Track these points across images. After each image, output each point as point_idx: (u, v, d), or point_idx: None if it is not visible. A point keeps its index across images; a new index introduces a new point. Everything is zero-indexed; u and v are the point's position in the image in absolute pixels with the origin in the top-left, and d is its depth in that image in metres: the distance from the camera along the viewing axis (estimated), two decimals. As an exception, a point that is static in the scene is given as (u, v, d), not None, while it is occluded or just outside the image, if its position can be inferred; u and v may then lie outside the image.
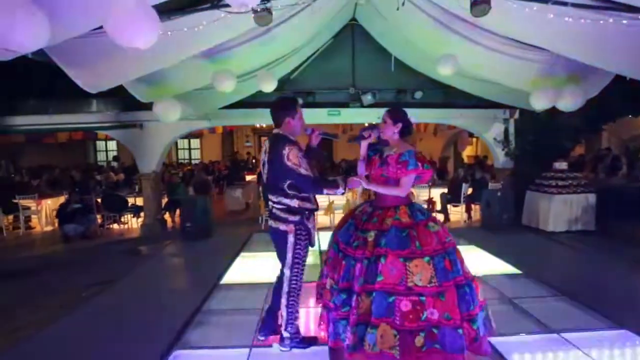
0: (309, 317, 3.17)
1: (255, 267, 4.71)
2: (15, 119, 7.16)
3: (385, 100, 7.16)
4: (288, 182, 2.37)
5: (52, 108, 7.07)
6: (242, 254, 5.27)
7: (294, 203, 2.41)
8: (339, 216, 5.82)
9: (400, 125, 2.46)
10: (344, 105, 7.33)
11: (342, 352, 2.32)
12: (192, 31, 3.87)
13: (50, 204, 7.87)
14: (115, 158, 14.43)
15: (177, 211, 7.49)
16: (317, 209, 2.55)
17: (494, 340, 2.58)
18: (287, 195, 2.41)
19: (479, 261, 4.79)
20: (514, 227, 6.39)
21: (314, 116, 7.25)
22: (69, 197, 7.14)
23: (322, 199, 6.80)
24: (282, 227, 2.44)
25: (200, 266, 5.00)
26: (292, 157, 2.31)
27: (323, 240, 3.07)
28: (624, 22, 3.21)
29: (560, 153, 7.01)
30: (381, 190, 2.39)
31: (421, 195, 7.68)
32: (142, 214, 7.54)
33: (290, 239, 2.43)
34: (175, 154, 16.36)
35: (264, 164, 2.52)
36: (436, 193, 7.78)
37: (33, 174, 10.57)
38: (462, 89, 6.79)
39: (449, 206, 7.48)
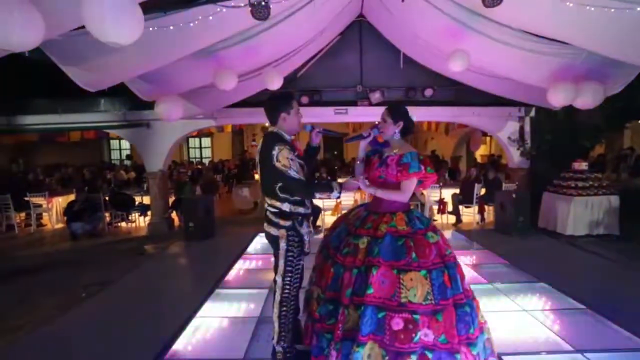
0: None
1: (257, 270, 4.59)
2: (26, 118, 7.25)
3: (394, 98, 6.96)
4: (279, 184, 2.22)
5: (62, 107, 7.14)
6: (244, 255, 5.15)
7: (286, 207, 2.26)
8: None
9: (401, 124, 2.26)
10: (352, 103, 7.15)
11: None
12: (191, 28, 3.78)
13: (61, 202, 7.98)
14: (128, 156, 14.58)
15: (184, 210, 7.45)
16: (311, 214, 2.39)
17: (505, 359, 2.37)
18: (278, 199, 2.26)
19: (491, 267, 4.54)
20: (529, 231, 6.09)
21: (320, 115, 7.13)
22: (76, 195, 7.17)
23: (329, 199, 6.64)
24: (274, 231, 2.30)
25: (200, 268, 4.92)
26: (281, 158, 2.15)
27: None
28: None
29: (580, 153, 6.66)
30: (381, 194, 2.20)
31: (432, 195, 7.42)
32: (149, 212, 7.54)
33: (282, 244, 2.28)
34: (186, 153, 16.44)
35: (257, 165, 2.39)
36: (447, 193, 7.50)
37: (48, 172, 10.75)
38: (474, 86, 6.52)
39: (460, 207, 7.21)
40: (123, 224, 7.78)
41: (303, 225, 2.29)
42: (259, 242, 5.75)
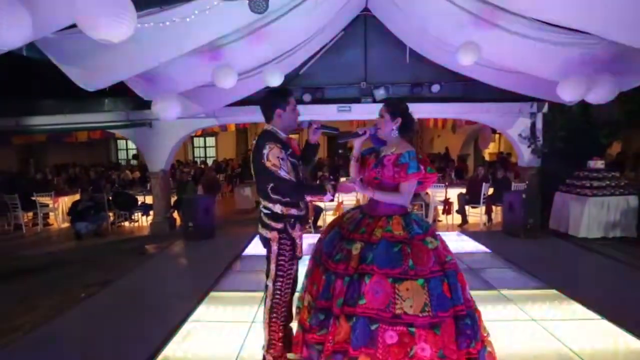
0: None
1: (254, 271, 4.45)
2: (33, 119, 7.28)
3: (399, 94, 6.76)
4: (270, 184, 2.09)
5: (67, 108, 7.14)
6: (242, 256, 5.03)
7: (277, 208, 2.13)
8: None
9: (399, 120, 2.09)
10: (355, 101, 6.98)
11: None
12: (189, 25, 3.66)
13: (67, 202, 8.01)
14: (134, 156, 14.64)
15: (186, 210, 7.39)
16: (305, 216, 2.24)
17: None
18: (270, 200, 2.14)
19: (498, 271, 4.32)
20: (540, 233, 5.83)
21: (323, 113, 6.97)
22: (81, 195, 7.18)
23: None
24: (266, 233, 2.18)
25: (197, 270, 4.83)
26: (271, 157, 2.02)
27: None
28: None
29: (596, 150, 6.35)
30: (379, 196, 2.04)
31: (437, 195, 7.19)
32: (151, 212, 7.52)
33: (274, 248, 2.15)
34: (191, 152, 16.44)
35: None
36: (453, 193, 7.27)
37: (57, 172, 10.84)
38: (483, 81, 6.28)
39: (467, 207, 6.97)
40: (126, 223, 7.79)
41: (295, 227, 2.15)
42: (258, 243, 5.60)
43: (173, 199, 7.62)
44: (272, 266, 2.14)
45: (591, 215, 5.62)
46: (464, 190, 7.14)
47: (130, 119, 7.09)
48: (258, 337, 2.76)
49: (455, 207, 7.12)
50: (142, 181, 9.67)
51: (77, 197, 7.67)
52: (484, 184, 6.77)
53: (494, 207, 7.03)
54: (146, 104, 5.77)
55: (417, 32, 5.96)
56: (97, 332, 3.08)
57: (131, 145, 15.64)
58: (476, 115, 7.11)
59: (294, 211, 2.14)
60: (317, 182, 7.88)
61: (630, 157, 8.44)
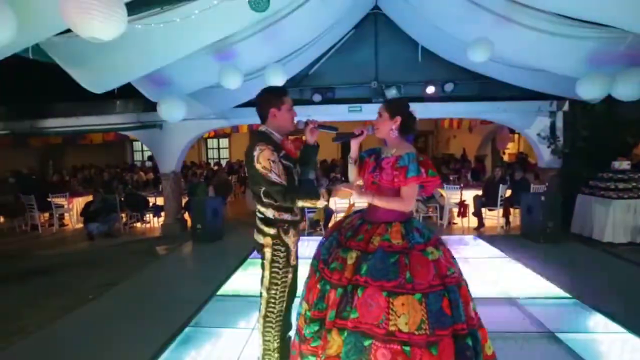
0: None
1: (258, 276, 4.36)
2: (47, 121, 7.43)
3: (412, 94, 6.56)
4: (262, 188, 1.99)
5: (79, 110, 7.25)
6: (249, 260, 4.96)
7: (270, 213, 2.03)
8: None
9: (398, 119, 1.94)
10: (366, 100, 6.82)
11: None
12: (192, 25, 3.62)
13: (81, 202, 8.13)
14: (149, 158, 14.83)
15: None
16: (300, 221, 2.13)
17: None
18: (263, 204, 2.04)
19: (516, 279, 4.09)
20: (561, 237, 5.53)
21: (334, 113, 6.86)
22: (93, 196, 7.27)
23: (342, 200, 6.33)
24: (260, 239, 2.08)
25: (203, 272, 4.78)
26: (262, 160, 1.91)
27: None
28: None
29: (621, 150, 6.01)
30: (378, 202, 1.89)
31: (452, 197, 6.95)
32: (162, 213, 7.56)
33: (267, 254, 2.05)
34: (205, 154, 16.56)
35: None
36: (469, 195, 7.01)
37: (74, 173, 11.09)
38: (499, 79, 6.03)
39: (483, 210, 6.71)
40: (138, 224, 7.85)
41: (289, 233, 2.03)
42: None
43: (185, 200, 7.64)
44: (266, 273, 2.04)
45: (616, 219, 5.31)
46: (480, 192, 6.88)
47: (141, 121, 7.15)
48: (255, 345, 2.67)
49: (471, 209, 6.86)
50: (156, 182, 9.76)
51: (90, 198, 7.83)
52: (501, 185, 6.50)
53: (512, 210, 6.74)
54: (156, 106, 5.81)
55: (430, 29, 5.76)
56: (98, 335, 3.06)
57: (146, 146, 15.91)
58: (492, 115, 6.84)
59: (287, 216, 2.03)
60: (330, 183, 7.79)
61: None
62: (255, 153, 1.92)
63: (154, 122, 7.05)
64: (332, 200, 2.27)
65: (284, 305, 2.08)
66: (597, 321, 3.06)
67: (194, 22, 3.55)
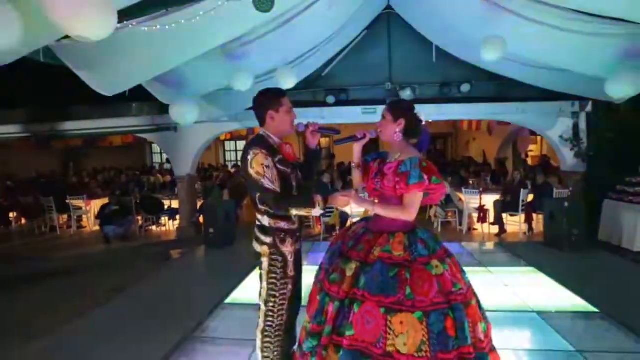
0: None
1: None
2: (66, 124, 7.62)
3: (427, 95, 6.41)
4: (257, 194, 1.89)
5: (97, 113, 7.38)
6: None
7: (266, 221, 1.93)
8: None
9: (402, 122, 1.82)
10: (381, 102, 6.68)
11: None
12: (199, 27, 3.59)
13: (99, 205, 8.25)
14: (168, 160, 15.05)
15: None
16: (298, 230, 2.01)
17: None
18: (259, 211, 1.95)
19: (538, 290, 3.84)
20: (587, 245, 5.21)
21: (347, 115, 6.75)
22: (109, 198, 7.36)
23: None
24: (257, 248, 1.99)
25: (213, 279, 4.73)
26: (255, 165, 1.82)
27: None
28: None
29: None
30: (380, 210, 1.77)
31: (471, 202, 6.69)
32: (177, 216, 7.60)
33: (264, 264, 1.95)
34: (222, 156, 16.66)
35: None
36: (490, 200, 6.73)
37: (94, 175, 11.37)
38: (518, 79, 5.78)
39: (504, 215, 6.43)
40: (154, 227, 7.90)
41: (286, 243, 1.92)
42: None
43: (200, 204, 7.66)
44: (264, 284, 1.94)
45: (647, 227, 4.96)
46: (501, 197, 6.60)
47: (156, 124, 7.21)
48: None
49: (492, 214, 6.59)
50: (173, 185, 9.85)
51: (107, 200, 7.97)
52: (522, 190, 6.21)
53: (534, 215, 6.43)
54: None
55: (444, 28, 5.60)
56: (101, 343, 3.01)
57: (162, 149, 16.18)
58: (511, 116, 6.58)
59: (283, 224, 1.92)
60: (347, 187, 7.63)
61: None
62: (249, 157, 1.83)
63: (168, 125, 7.10)
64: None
65: (284, 318, 1.95)
66: (629, 338, 2.83)
67: (201, 24, 3.53)
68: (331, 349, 1.59)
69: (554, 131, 6.32)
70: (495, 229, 6.50)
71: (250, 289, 4.15)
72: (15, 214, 8.53)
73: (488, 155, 10.59)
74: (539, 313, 3.27)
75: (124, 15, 3.40)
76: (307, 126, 2.00)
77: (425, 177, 1.68)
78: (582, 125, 6.21)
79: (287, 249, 1.92)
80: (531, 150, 10.83)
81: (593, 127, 6.15)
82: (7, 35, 2.23)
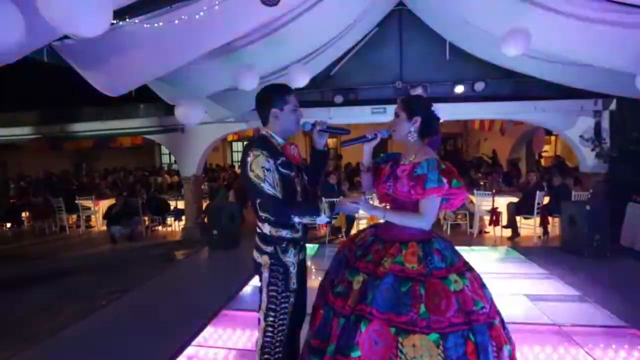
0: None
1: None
2: (75, 125, 7.65)
3: (439, 94, 6.18)
4: (258, 200, 1.73)
5: (105, 114, 7.40)
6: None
7: (267, 229, 1.77)
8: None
9: (418, 120, 1.65)
10: (391, 102, 6.51)
11: None
12: (204, 25, 3.49)
13: (107, 205, 8.29)
14: (176, 161, 15.10)
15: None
16: (302, 239, 1.85)
17: None
18: (259, 218, 1.79)
19: (556, 300, 3.61)
20: (608, 252, 4.93)
21: (357, 115, 6.60)
22: (116, 199, 7.35)
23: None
24: (257, 257, 1.83)
25: (214, 282, 4.60)
26: (254, 167, 1.66)
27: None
28: None
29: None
30: (391, 217, 1.60)
31: (483, 204, 6.46)
32: (183, 217, 7.54)
33: (265, 274, 1.79)
34: (229, 156, 16.65)
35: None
36: (503, 202, 6.49)
37: (104, 176, 11.45)
38: (536, 76, 5.53)
39: (518, 218, 6.18)
40: (160, 228, 7.88)
41: (288, 253, 1.76)
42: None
43: (205, 205, 7.60)
44: (264, 297, 1.77)
45: (675, 232, 4.69)
46: (513, 199, 6.36)
47: (163, 125, 7.19)
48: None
49: (504, 217, 6.35)
50: (180, 186, 9.84)
51: (114, 201, 7.97)
52: (537, 192, 5.96)
53: (550, 219, 6.17)
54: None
55: (458, 24, 5.38)
56: (98, 349, 2.92)
57: (168, 150, 16.24)
58: (528, 115, 6.32)
59: (285, 233, 1.75)
60: (354, 189, 7.48)
61: None
62: (248, 159, 1.68)
63: (176, 126, 7.06)
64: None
65: (285, 334, 1.79)
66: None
67: (205, 23, 3.43)
68: None
69: (573, 131, 6.05)
70: (507, 232, 6.26)
71: (252, 294, 4.02)
72: (27, 213, 8.63)
73: (500, 156, 10.30)
74: (556, 325, 3.06)
75: (126, 13, 3.32)
76: (314, 125, 1.84)
77: (445, 180, 1.50)
78: (605, 124, 5.93)
79: (290, 259, 1.76)
80: (545, 151, 10.49)
81: (617, 126, 5.87)
82: (11, 33, 2.14)
